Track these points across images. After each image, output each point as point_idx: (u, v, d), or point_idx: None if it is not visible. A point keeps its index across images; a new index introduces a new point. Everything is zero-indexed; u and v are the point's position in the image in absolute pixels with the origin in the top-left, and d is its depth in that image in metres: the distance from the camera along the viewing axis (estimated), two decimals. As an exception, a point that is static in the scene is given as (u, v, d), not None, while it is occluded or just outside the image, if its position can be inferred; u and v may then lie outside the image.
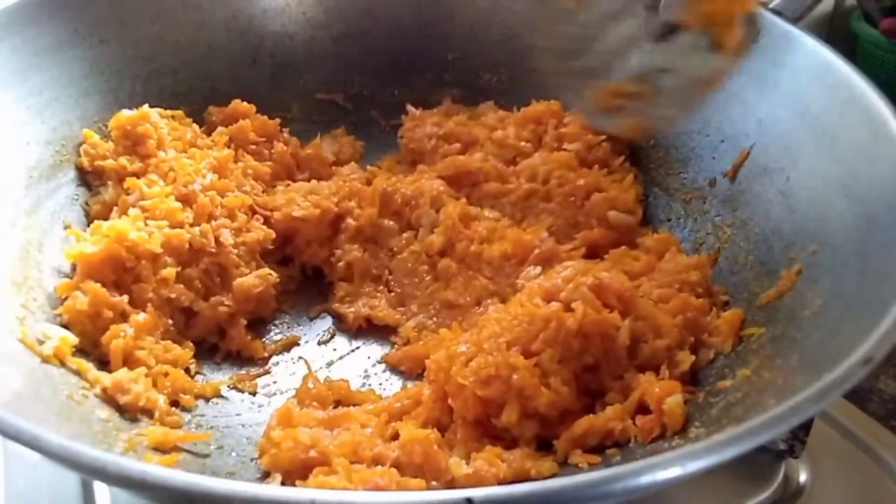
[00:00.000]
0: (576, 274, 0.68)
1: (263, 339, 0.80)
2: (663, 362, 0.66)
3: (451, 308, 0.80)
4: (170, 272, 0.74)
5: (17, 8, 0.79)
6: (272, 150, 0.90)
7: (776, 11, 0.79)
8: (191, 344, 0.75)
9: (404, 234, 0.85)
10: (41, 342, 0.64)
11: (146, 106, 0.84)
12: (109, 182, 0.80)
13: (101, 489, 0.68)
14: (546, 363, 0.64)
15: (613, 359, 0.66)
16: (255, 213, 0.84)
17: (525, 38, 0.97)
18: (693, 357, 0.67)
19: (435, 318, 0.80)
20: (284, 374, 0.77)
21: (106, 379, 0.65)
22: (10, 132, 0.75)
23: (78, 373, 0.64)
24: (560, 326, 0.64)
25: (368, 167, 0.94)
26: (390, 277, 0.84)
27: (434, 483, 0.59)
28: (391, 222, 0.85)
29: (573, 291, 0.66)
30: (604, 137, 0.87)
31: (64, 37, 0.82)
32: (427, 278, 0.82)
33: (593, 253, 0.80)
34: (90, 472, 0.43)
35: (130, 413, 0.65)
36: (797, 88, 0.74)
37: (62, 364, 0.64)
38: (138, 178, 0.79)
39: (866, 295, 0.57)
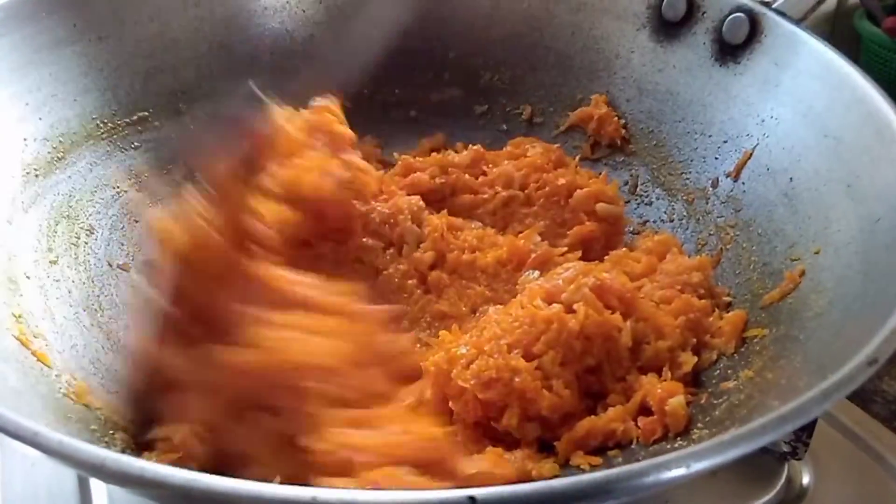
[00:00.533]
0: (577, 275, 0.67)
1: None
2: (665, 364, 0.66)
3: (445, 318, 0.77)
4: None
5: (15, 4, 0.78)
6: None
7: (779, 11, 0.79)
8: None
9: (388, 252, 0.81)
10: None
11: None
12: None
13: (98, 488, 0.68)
14: (548, 365, 0.63)
15: (615, 360, 0.66)
16: None
17: (526, 37, 0.97)
18: (696, 358, 0.66)
19: (428, 331, 0.77)
20: (283, 375, 0.76)
21: (104, 378, 0.64)
22: (8, 129, 0.74)
23: (76, 371, 0.64)
24: (562, 328, 0.63)
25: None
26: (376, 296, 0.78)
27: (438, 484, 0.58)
28: (373, 241, 0.81)
29: (574, 293, 0.66)
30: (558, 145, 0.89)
31: (62, 33, 0.82)
32: (417, 292, 0.79)
33: (587, 250, 0.80)
34: (88, 468, 0.42)
35: (129, 412, 0.64)
36: (800, 89, 0.74)
37: (60, 362, 0.63)
38: None
39: (870, 295, 0.56)
